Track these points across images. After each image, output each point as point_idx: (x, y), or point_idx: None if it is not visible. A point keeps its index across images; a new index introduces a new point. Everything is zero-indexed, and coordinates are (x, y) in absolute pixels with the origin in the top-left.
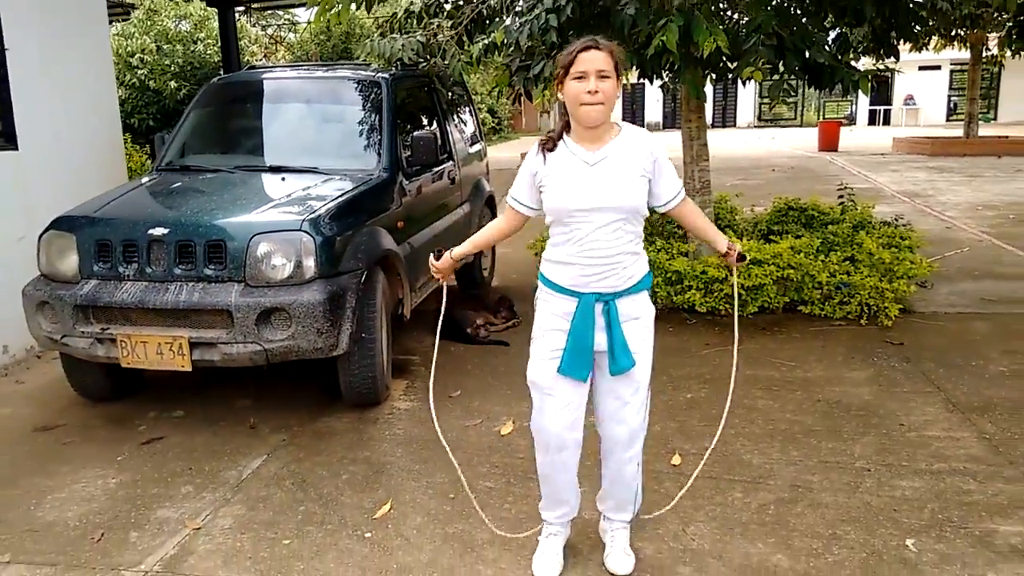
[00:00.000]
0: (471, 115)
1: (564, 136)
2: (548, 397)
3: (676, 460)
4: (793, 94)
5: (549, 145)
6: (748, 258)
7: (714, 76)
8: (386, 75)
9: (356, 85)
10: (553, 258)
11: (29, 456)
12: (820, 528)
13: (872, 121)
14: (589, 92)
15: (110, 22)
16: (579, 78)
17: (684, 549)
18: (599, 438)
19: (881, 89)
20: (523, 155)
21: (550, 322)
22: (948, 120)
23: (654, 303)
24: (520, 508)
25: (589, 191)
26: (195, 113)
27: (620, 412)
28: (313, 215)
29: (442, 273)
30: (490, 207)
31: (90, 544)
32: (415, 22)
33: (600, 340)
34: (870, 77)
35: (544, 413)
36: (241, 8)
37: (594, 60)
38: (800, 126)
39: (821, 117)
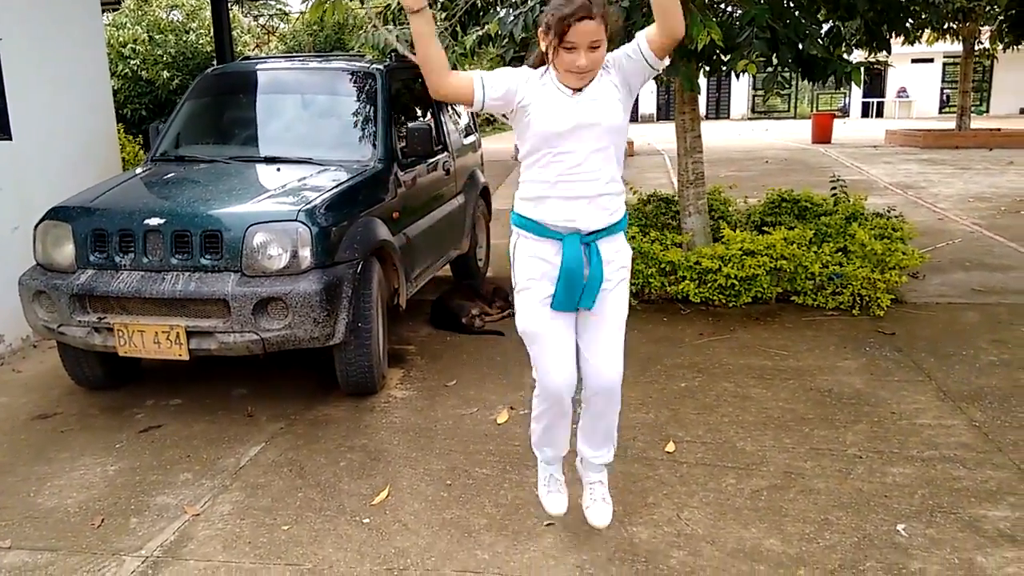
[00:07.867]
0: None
1: (548, 70)
2: (544, 342)
3: (670, 447)
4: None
5: (538, 75)
6: None
7: (708, 69)
8: (381, 66)
9: (351, 76)
10: (531, 194)
11: (27, 444)
12: (812, 513)
13: (865, 113)
14: (579, 67)
15: (102, 12)
16: (570, 48)
17: (678, 534)
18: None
19: (874, 82)
20: (517, 146)
21: (535, 269)
22: (940, 112)
23: (647, 293)
24: (517, 495)
25: (573, 114)
26: (190, 103)
27: (602, 353)
28: (309, 205)
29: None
30: (485, 198)
31: (90, 530)
32: None
33: (584, 275)
34: (862, 69)
35: (544, 360)
36: None
37: (587, 32)
38: (794, 118)
39: (815, 109)
